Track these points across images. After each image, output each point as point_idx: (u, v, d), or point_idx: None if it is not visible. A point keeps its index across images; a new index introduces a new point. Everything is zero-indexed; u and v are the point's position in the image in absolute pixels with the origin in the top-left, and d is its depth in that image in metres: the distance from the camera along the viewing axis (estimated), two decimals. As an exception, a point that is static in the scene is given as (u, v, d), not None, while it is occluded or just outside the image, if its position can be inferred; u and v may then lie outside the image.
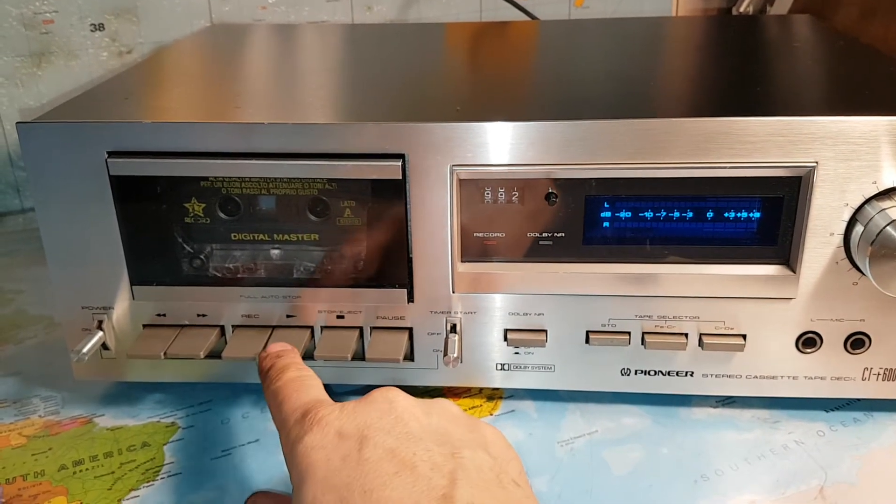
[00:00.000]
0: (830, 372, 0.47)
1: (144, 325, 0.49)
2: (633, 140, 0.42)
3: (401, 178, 0.44)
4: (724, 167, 0.43)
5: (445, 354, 0.46)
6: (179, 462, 0.46)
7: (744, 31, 0.68)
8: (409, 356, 0.49)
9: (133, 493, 0.43)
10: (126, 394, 0.52)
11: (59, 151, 0.44)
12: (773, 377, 0.47)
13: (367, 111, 0.47)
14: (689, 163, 0.43)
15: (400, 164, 0.43)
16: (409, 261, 0.46)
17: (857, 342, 0.46)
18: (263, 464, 0.45)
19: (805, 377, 0.47)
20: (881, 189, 0.42)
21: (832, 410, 0.49)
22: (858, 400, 0.49)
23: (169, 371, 0.50)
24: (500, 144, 0.43)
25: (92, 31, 0.78)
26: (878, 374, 0.47)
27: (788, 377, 0.47)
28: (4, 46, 0.75)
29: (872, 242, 0.41)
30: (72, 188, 0.45)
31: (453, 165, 0.44)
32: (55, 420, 0.50)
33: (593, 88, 0.51)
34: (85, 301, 0.48)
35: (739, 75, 0.53)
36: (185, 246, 0.47)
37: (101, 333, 0.48)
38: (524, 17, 0.91)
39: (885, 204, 0.41)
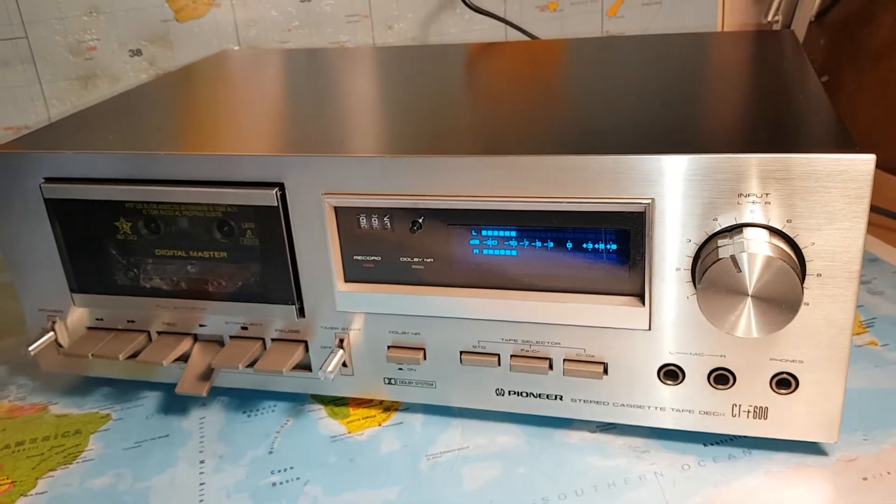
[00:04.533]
0: (698, 406, 0.47)
1: (87, 328, 0.56)
2: (489, 174, 0.44)
3: (276, 205, 0.48)
4: (570, 202, 0.44)
5: (321, 368, 0.49)
6: (97, 450, 0.52)
7: (695, 52, 0.67)
8: (310, 367, 0.53)
9: (50, 474, 0.50)
10: (83, 386, 0.59)
11: (8, 178, 0.52)
12: (640, 406, 0.48)
13: (258, 142, 0.51)
14: (540, 197, 0.44)
15: (275, 192, 0.47)
16: (297, 280, 0.50)
17: (720, 377, 0.45)
18: (164, 456, 0.51)
19: (673, 409, 0.47)
20: (723, 227, 0.42)
21: (710, 445, 0.48)
22: (742, 437, 0.48)
23: (120, 369, 0.57)
24: (367, 176, 0.46)
25: (131, 56, 0.87)
26: (748, 411, 0.46)
27: (656, 408, 0.47)
28: (55, 72, 0.85)
29: (700, 280, 0.41)
30: (21, 209, 0.52)
31: (324, 194, 0.47)
32: (19, 405, 0.58)
33: (482, 120, 0.52)
34: (41, 304, 0.56)
35: (624, 107, 0.52)
36: (114, 259, 0.53)
37: (51, 333, 0.55)
38: (550, 35, 0.93)
39: (722, 242, 0.41)
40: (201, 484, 0.48)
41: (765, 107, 0.49)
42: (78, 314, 0.55)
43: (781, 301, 0.40)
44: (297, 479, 0.48)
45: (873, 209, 0.73)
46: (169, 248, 0.52)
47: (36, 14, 0.83)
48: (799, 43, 0.63)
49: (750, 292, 0.40)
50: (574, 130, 0.48)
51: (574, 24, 0.99)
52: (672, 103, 0.51)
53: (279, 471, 0.49)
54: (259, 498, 0.47)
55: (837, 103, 0.91)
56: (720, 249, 0.41)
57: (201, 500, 0.47)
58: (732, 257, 0.40)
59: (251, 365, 0.52)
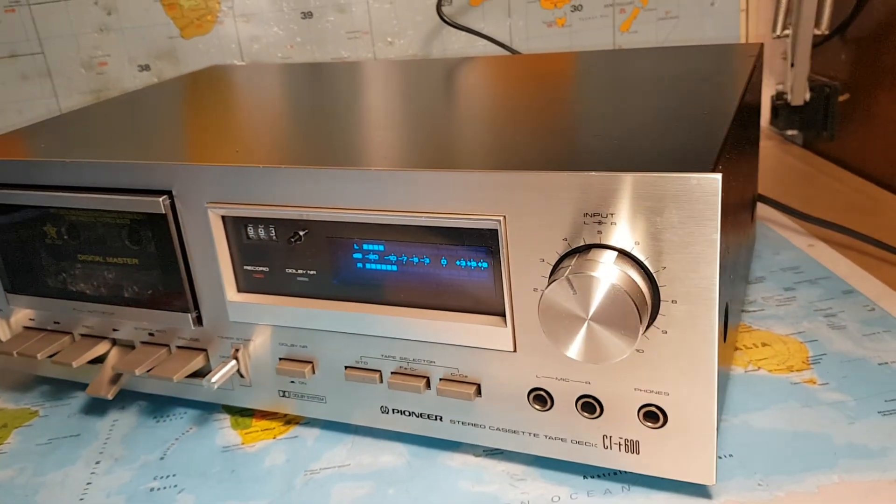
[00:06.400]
0: (570, 435, 0.44)
1: (24, 327, 0.58)
2: (353, 187, 0.44)
3: (164, 212, 0.49)
4: (428, 216, 0.43)
5: (205, 378, 0.50)
6: (13, 444, 0.54)
7: (624, 68, 0.62)
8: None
9: (-37, 465, 0.53)
10: (28, 383, 0.62)
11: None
12: (514, 431, 0.46)
13: (163, 150, 0.52)
14: (404, 211, 0.43)
15: (162, 199, 0.48)
16: (193, 288, 0.51)
17: (586, 405, 0.43)
18: (66, 454, 0.52)
19: (546, 436, 0.45)
20: (573, 247, 0.40)
21: (590, 477, 0.46)
22: (626, 472, 0.45)
23: (60, 369, 0.59)
24: (247, 185, 0.47)
25: (140, 70, 0.91)
26: (619, 444, 0.43)
27: (529, 434, 0.45)
28: (69, 85, 0.90)
29: (539, 301, 0.39)
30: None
31: (208, 203, 0.48)
32: (-35, 398, 0.61)
33: (377, 134, 0.52)
34: (-17, 303, 0.59)
35: (510, 123, 0.50)
36: (39, 262, 0.55)
37: (-11, 331, 0.58)
38: (558, 49, 0.91)
39: (567, 263, 0.39)
40: (88, 483, 0.50)
41: (648, 124, 0.46)
42: (17, 314, 0.58)
43: (618, 327, 0.37)
44: (175, 486, 0.49)
45: (863, 238, 0.67)
46: (93, 254, 0.54)
47: (51, 31, 0.88)
48: (754, 58, 0.59)
49: (587, 316, 0.38)
50: (456, 145, 0.47)
51: (583, 40, 0.96)
52: (555, 120, 0.49)
53: (161, 477, 0.50)
54: (133, 501, 0.48)
55: (858, 122, 0.85)
56: (561, 270, 0.39)
57: (81, 499, 0.48)
58: (568, 278, 0.38)
59: (151, 371, 0.53)
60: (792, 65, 0.83)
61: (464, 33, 0.92)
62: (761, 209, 0.78)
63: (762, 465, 0.45)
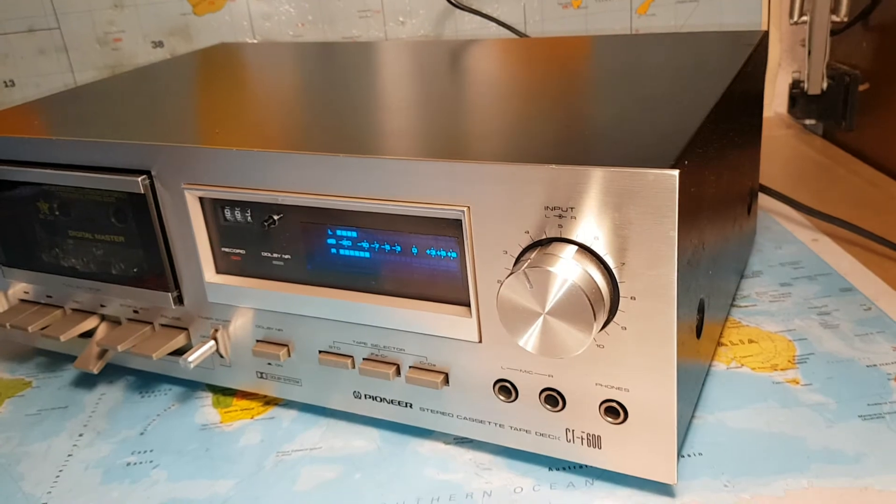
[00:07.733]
0: (534, 427, 0.44)
1: (20, 300, 0.60)
2: (324, 173, 0.44)
3: (142, 192, 0.49)
4: (396, 204, 0.42)
5: (182, 357, 0.51)
6: (3, 413, 0.56)
7: (617, 55, 0.61)
8: (196, 355, 0.54)
9: (-46, 432, 0.54)
10: (26, 355, 0.63)
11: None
12: (481, 421, 0.46)
13: (149, 130, 0.53)
14: (371, 198, 0.43)
15: (140, 179, 0.49)
16: (173, 268, 0.51)
17: (549, 398, 0.43)
18: (52, 426, 0.54)
19: (511, 427, 0.45)
20: (535, 240, 0.39)
21: (556, 469, 0.45)
22: (591, 466, 0.45)
23: (55, 342, 0.60)
24: (223, 168, 0.47)
25: (153, 47, 0.92)
26: (581, 437, 0.43)
27: (495, 424, 0.45)
28: (85, 60, 0.92)
29: (497, 294, 0.39)
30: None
31: (184, 184, 0.48)
32: (-35, 367, 0.63)
33: (351, 119, 0.51)
34: (-19, 276, 0.60)
35: (490, 111, 0.49)
36: (34, 237, 0.56)
37: (-18, 302, 0.60)
38: (573, 32, 0.90)
39: (528, 256, 0.39)
40: (69, 455, 0.51)
41: (624, 115, 0.45)
42: (14, 287, 0.59)
43: (573, 322, 0.37)
44: (150, 462, 0.50)
45: (868, 235, 0.66)
46: (82, 230, 0.54)
47: (68, 6, 0.89)
48: (752, 47, 0.58)
49: (543, 310, 0.37)
50: (432, 132, 0.47)
51: (599, 23, 0.95)
52: (533, 110, 0.48)
53: (139, 452, 0.51)
54: (109, 475, 0.49)
55: (878, 113, 0.83)
56: (521, 263, 0.38)
57: (61, 470, 0.50)
58: (524, 272, 0.37)
59: (133, 347, 0.54)
60: (809, 52, 0.80)
61: (474, 15, 0.91)
62: (770, 202, 0.76)
63: (731, 465, 0.45)
